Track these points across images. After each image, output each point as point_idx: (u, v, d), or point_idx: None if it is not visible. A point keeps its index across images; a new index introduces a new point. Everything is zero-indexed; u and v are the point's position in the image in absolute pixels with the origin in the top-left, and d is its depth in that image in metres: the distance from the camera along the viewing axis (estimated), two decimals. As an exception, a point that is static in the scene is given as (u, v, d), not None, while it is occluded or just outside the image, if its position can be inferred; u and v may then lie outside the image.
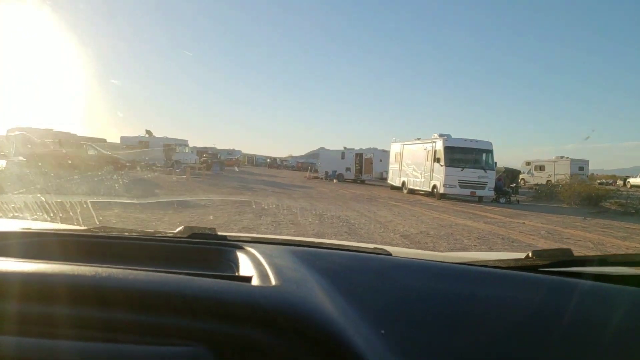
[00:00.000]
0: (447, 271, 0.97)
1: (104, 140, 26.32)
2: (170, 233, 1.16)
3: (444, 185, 19.16)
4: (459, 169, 19.23)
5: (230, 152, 63.20)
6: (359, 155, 32.68)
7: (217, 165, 31.66)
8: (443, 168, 19.34)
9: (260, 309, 0.66)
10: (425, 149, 21.32)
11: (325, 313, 0.68)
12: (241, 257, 0.96)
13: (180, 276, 0.71)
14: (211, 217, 9.00)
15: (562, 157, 37.01)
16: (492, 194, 19.66)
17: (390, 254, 1.09)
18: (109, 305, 0.65)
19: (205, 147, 55.82)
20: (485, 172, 19.42)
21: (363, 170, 32.15)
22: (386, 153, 31.45)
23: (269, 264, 0.86)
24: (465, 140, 20.02)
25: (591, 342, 0.76)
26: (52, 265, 0.71)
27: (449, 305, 0.82)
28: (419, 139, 22.86)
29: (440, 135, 20.67)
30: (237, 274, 0.89)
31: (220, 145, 62.10)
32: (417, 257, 1.10)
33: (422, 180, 21.15)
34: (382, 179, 31.22)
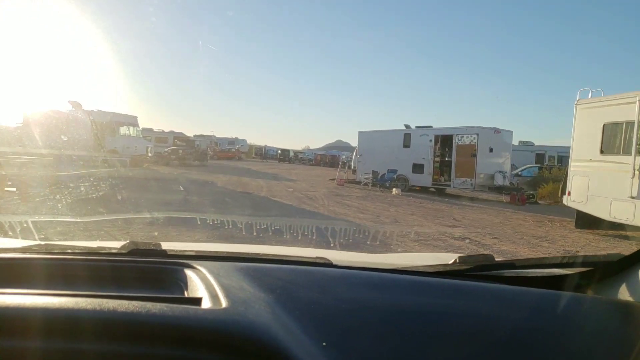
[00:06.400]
0: (383, 281, 1.06)
1: None
2: (115, 248, 1.15)
3: None
4: None
5: (231, 142, 50.43)
6: (445, 139, 16.63)
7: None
8: None
9: (213, 333, 0.72)
10: None
11: (272, 333, 0.74)
12: (190, 276, 0.98)
13: (134, 302, 0.73)
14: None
15: None
16: None
17: (331, 263, 1.17)
18: (57, 336, 0.66)
19: (202, 135, 42.85)
20: None
21: (454, 170, 15.92)
22: (502, 135, 15.68)
23: (218, 283, 0.90)
24: None
25: (498, 341, 0.85)
26: None
27: (386, 315, 0.89)
28: None
29: None
30: (187, 296, 0.92)
31: (223, 134, 51.48)
32: (356, 265, 1.22)
33: None
34: (494, 188, 15.44)
